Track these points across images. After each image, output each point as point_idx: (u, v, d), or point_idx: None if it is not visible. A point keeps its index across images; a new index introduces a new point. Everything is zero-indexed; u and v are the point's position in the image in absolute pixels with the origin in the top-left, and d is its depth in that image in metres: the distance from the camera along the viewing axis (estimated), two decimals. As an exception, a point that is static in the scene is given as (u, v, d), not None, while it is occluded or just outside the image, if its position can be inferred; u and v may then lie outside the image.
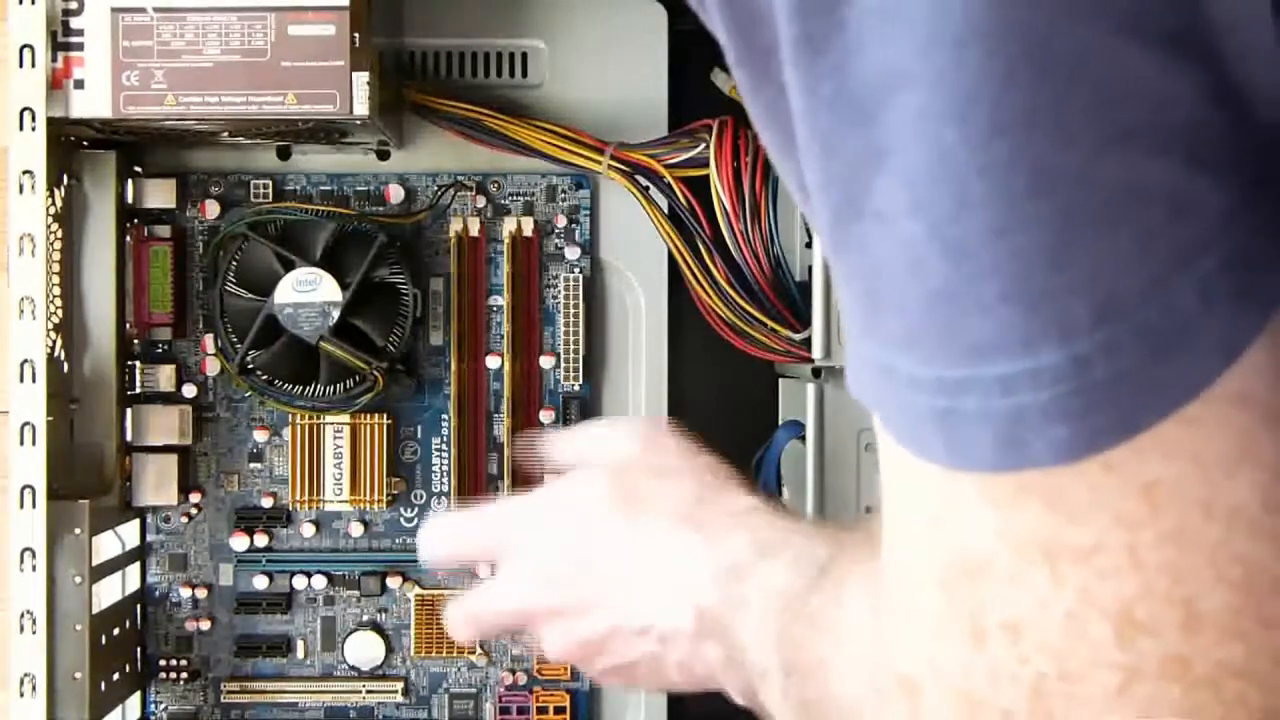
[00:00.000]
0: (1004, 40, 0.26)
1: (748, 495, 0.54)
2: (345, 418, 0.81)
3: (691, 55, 0.83)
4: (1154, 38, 0.27)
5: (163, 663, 0.83)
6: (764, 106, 0.32)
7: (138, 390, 0.81)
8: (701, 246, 0.78)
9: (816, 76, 0.29)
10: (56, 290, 0.73)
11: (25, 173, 0.71)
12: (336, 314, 0.77)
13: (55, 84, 0.70)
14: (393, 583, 0.83)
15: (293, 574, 0.83)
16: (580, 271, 0.83)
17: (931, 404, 0.29)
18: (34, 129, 0.70)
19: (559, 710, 0.83)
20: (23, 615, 0.70)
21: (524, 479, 0.82)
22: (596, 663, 0.56)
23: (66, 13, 0.70)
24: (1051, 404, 0.27)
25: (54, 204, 0.73)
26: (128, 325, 0.81)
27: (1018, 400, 0.28)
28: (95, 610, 0.74)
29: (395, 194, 0.83)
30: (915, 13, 0.26)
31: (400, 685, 0.83)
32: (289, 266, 0.78)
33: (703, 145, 0.77)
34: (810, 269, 0.76)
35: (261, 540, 0.83)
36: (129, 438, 0.81)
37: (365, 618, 0.83)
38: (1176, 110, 0.27)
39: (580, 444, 0.62)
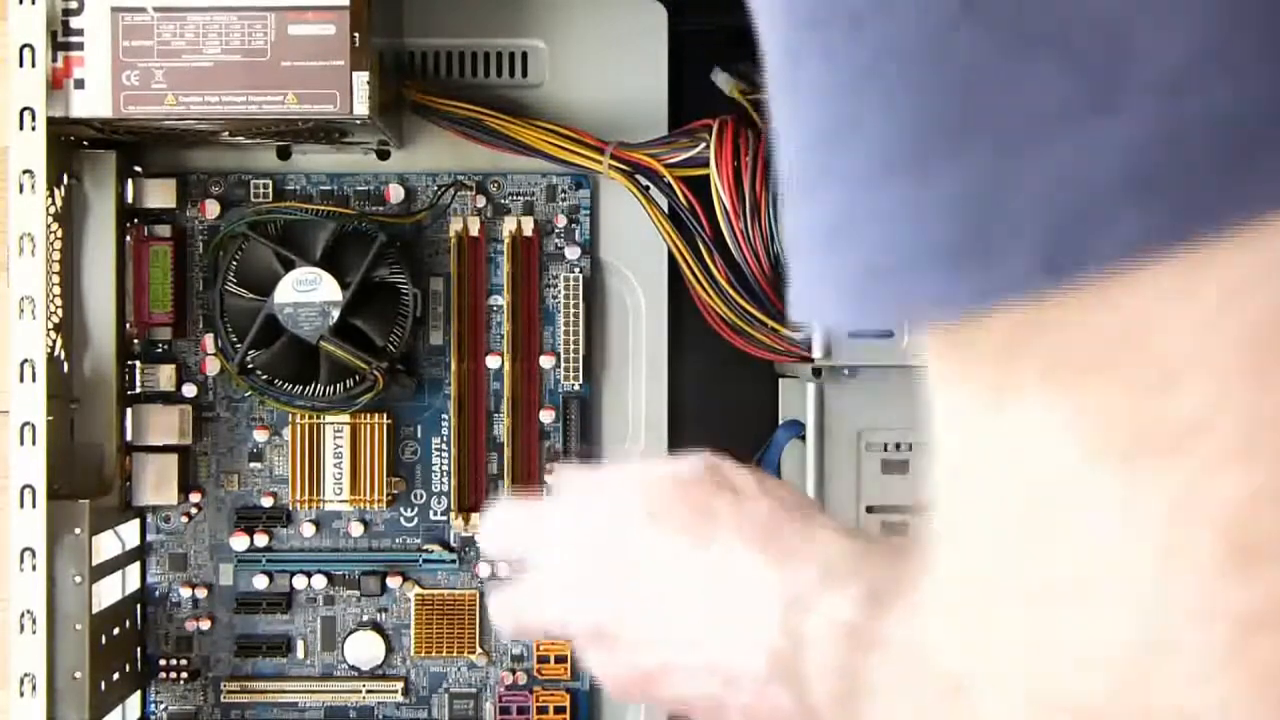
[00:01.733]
0: None
1: (821, 515, 0.48)
2: (345, 418, 0.81)
3: (691, 55, 0.83)
4: None
5: (163, 663, 0.83)
6: None
7: (138, 390, 0.81)
8: (701, 246, 0.78)
9: None
10: (56, 290, 0.73)
11: (25, 172, 0.71)
12: (336, 314, 0.77)
13: (55, 84, 0.71)
14: (393, 583, 0.83)
15: (293, 574, 0.83)
16: (580, 271, 0.83)
17: (944, 236, 0.22)
18: (34, 129, 0.70)
19: (559, 710, 0.83)
20: (23, 615, 0.70)
21: (524, 475, 0.82)
22: (651, 693, 0.50)
23: (66, 12, 0.70)
24: (1122, 179, 0.21)
25: (54, 204, 0.73)
26: (128, 325, 0.81)
27: (1082, 180, 0.21)
28: (95, 610, 0.74)
29: (395, 194, 0.83)
30: None
31: (400, 685, 0.83)
32: (289, 266, 0.78)
33: (703, 145, 0.77)
34: (810, 269, 0.76)
35: (261, 540, 0.83)
36: (129, 438, 0.81)
37: (365, 618, 0.83)
38: None
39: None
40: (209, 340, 0.82)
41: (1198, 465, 0.21)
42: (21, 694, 0.70)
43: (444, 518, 0.83)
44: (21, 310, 0.71)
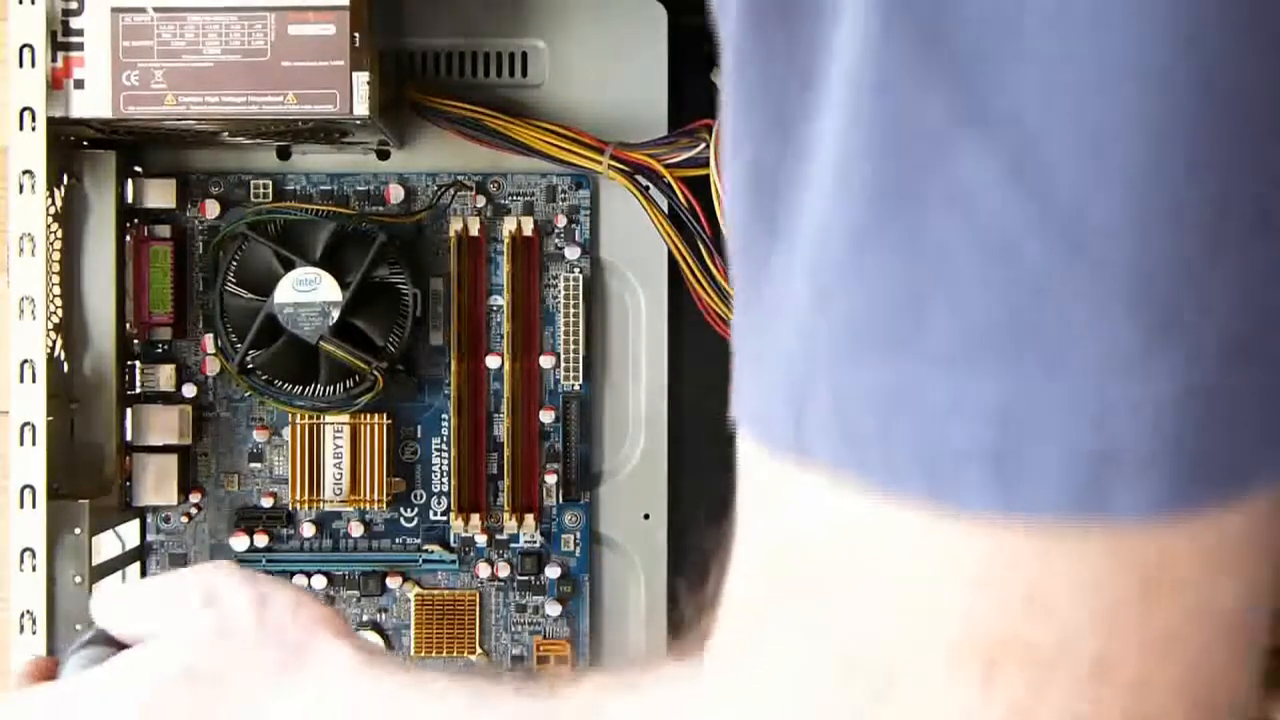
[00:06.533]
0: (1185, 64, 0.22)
1: (338, 646, 0.47)
2: (345, 418, 0.81)
3: (691, 55, 0.83)
4: None
5: (163, 663, 0.82)
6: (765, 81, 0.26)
7: (138, 390, 0.81)
8: (701, 246, 0.78)
9: (920, 71, 0.23)
10: (56, 290, 0.73)
11: (25, 173, 0.71)
12: (336, 314, 0.77)
13: (55, 84, 0.71)
14: (393, 583, 0.83)
15: (293, 574, 0.83)
16: (580, 271, 0.83)
17: (982, 433, 0.23)
18: (34, 129, 0.70)
19: (559, 710, 0.83)
20: (23, 615, 0.70)
21: (524, 474, 0.82)
22: None
23: (66, 13, 0.70)
24: (1153, 444, 0.22)
25: (54, 204, 0.73)
26: (128, 325, 0.81)
27: (1110, 433, 0.23)
28: (95, 610, 0.74)
29: (395, 194, 0.83)
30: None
31: (400, 685, 0.83)
32: (289, 266, 0.78)
33: (703, 145, 0.77)
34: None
35: (261, 540, 0.83)
36: (129, 438, 0.81)
37: (365, 618, 0.83)
38: None
39: (144, 611, 0.51)
40: (209, 340, 0.82)
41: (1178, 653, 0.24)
42: (21, 694, 0.70)
43: (444, 518, 0.83)
44: (21, 310, 0.71)
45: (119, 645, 0.52)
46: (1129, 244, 0.22)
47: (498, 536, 0.83)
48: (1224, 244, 0.22)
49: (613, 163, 0.79)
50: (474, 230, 0.82)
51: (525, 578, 0.83)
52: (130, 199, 0.81)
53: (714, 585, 0.30)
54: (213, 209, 0.82)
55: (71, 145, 0.77)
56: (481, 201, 0.83)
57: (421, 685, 0.45)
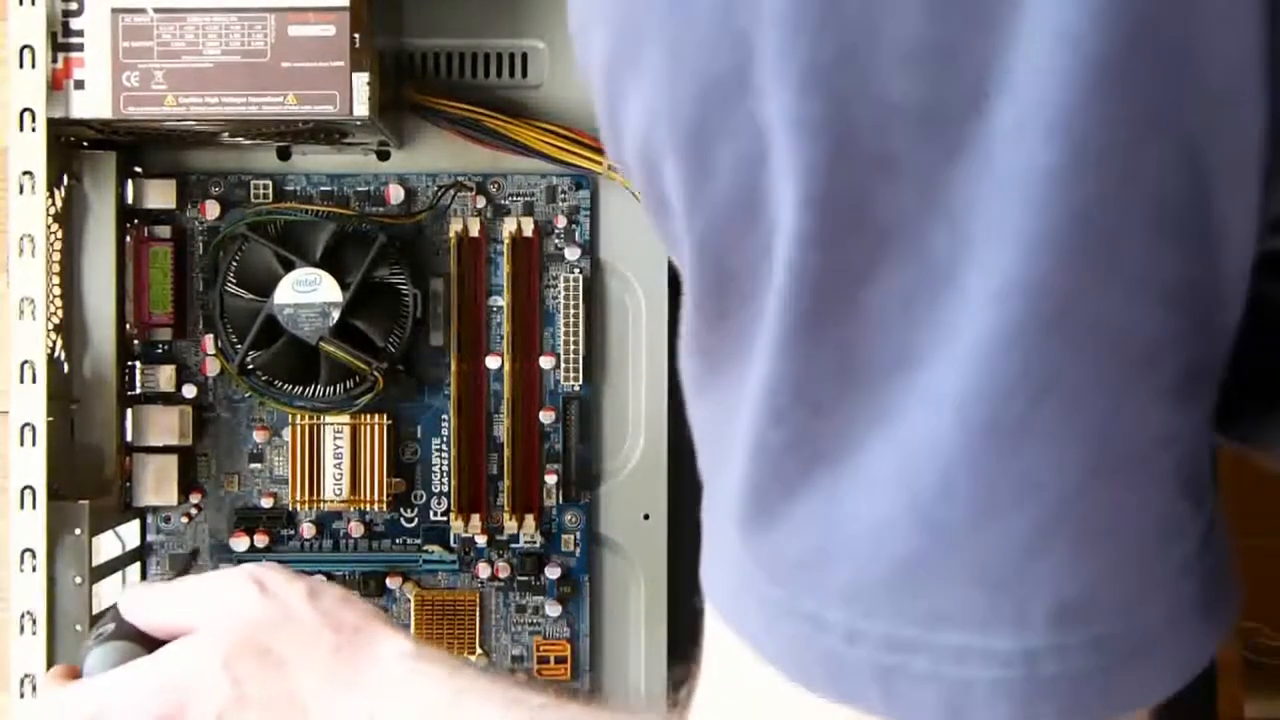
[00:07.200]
0: (1012, 358, 0.27)
1: (372, 627, 0.52)
2: (345, 418, 0.81)
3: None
4: (1166, 386, 0.28)
5: (163, 663, 0.82)
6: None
7: (138, 390, 0.81)
8: (701, 247, 0.78)
9: (818, 344, 0.28)
10: (56, 290, 0.73)
11: (25, 173, 0.71)
12: (336, 314, 0.77)
13: (55, 84, 0.71)
14: (393, 583, 0.83)
15: (293, 574, 0.83)
16: (580, 272, 0.83)
17: (874, 659, 0.29)
18: (34, 129, 0.70)
19: (559, 710, 0.83)
20: (23, 616, 0.70)
21: (524, 475, 0.82)
22: None
23: (66, 13, 0.70)
24: (998, 684, 0.28)
25: (54, 204, 0.73)
26: (128, 325, 0.81)
27: (967, 672, 0.28)
28: (95, 611, 0.74)
29: (395, 194, 0.83)
30: (943, 312, 0.27)
31: (400, 685, 0.83)
32: (289, 267, 0.78)
33: (703, 145, 0.77)
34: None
35: (261, 540, 0.83)
36: (129, 438, 0.81)
37: (365, 618, 0.83)
38: (1179, 445, 0.28)
39: (190, 602, 0.55)
40: (209, 341, 0.82)
41: None
42: (22, 695, 0.70)
43: (444, 518, 0.83)
44: (21, 311, 0.71)
45: (146, 641, 0.52)
46: (967, 536, 0.28)
47: (498, 537, 0.83)
48: (1048, 545, 0.28)
49: (613, 163, 0.79)
50: (474, 231, 0.82)
51: (525, 578, 0.83)
52: (130, 199, 0.81)
53: (687, 692, 0.36)
54: (213, 209, 0.82)
55: (71, 146, 0.77)
56: (481, 202, 0.83)
57: (492, 683, 0.50)
